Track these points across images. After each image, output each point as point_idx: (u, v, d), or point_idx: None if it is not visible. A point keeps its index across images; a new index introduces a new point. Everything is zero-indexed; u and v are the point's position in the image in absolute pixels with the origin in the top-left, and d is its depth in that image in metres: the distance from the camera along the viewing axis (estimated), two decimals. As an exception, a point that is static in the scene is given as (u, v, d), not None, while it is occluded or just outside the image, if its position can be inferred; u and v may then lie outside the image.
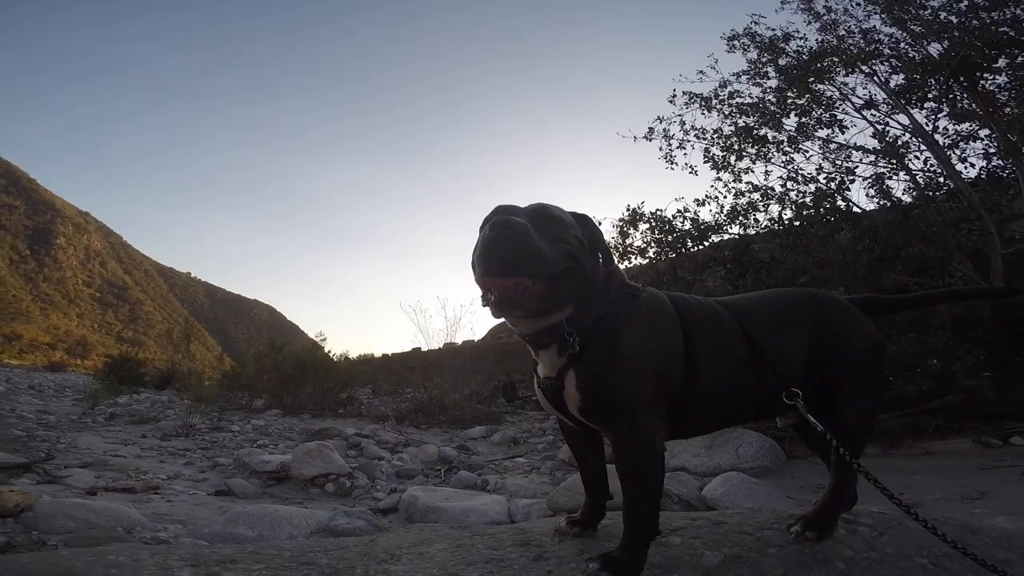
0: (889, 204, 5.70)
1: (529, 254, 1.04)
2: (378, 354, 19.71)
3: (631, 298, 1.21)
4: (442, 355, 11.74)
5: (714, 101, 6.68)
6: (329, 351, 12.69)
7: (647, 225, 6.76)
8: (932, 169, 6.07)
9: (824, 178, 6.03)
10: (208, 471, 4.83)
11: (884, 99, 6.29)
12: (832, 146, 6.25)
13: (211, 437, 6.85)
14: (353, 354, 16.10)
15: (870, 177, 5.93)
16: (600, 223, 6.78)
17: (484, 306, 1.11)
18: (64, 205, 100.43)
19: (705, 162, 6.55)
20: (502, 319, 1.14)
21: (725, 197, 6.34)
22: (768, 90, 6.49)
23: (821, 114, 6.23)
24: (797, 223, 5.85)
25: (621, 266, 7.39)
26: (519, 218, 1.07)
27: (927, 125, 5.93)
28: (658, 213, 6.61)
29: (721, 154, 6.43)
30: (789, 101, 6.21)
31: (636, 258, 7.06)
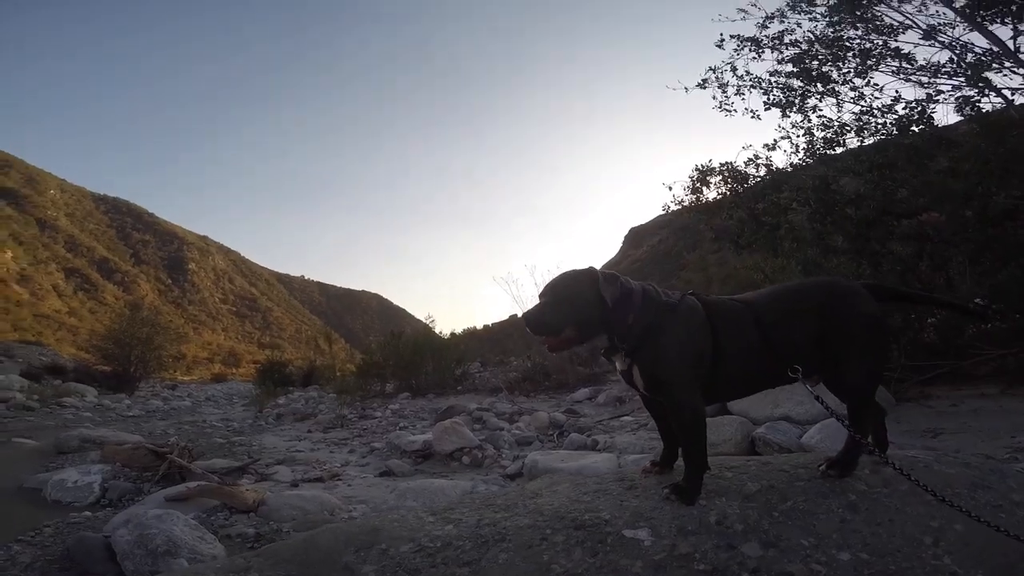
0: (979, 128, 5.23)
1: (538, 327, 1.73)
2: (480, 326, 20.91)
3: (670, 309, 1.72)
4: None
5: (764, 42, 6.39)
6: (439, 331, 13.75)
7: (719, 178, 6.79)
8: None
9: (903, 107, 5.64)
10: (368, 456, 5.87)
11: (951, 20, 5.70)
12: (909, 72, 5.78)
13: (361, 425, 8.07)
14: (458, 329, 17.26)
15: (956, 100, 5.48)
16: (671, 187, 6.89)
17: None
18: (184, 232, 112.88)
19: (767, 108, 6.35)
20: None
21: (798, 137, 6.16)
22: (818, 17, 6.10)
23: (883, 44, 5.77)
24: (882, 154, 5.60)
25: (699, 221, 7.44)
26: (542, 299, 1.76)
27: (1012, 42, 5.31)
28: (729, 164, 6.61)
29: (783, 96, 6.21)
30: (844, 36, 5.82)
31: (714, 210, 7.11)
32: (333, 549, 1.53)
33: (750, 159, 6.36)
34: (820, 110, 6.12)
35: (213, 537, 2.96)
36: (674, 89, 7.02)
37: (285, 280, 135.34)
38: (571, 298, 1.72)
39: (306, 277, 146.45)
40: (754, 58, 6.43)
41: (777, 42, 6.34)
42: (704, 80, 6.65)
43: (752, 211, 6.32)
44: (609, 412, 6.87)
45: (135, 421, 10.90)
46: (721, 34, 6.56)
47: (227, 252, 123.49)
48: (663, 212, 7.45)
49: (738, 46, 6.51)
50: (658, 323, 1.69)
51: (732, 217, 6.54)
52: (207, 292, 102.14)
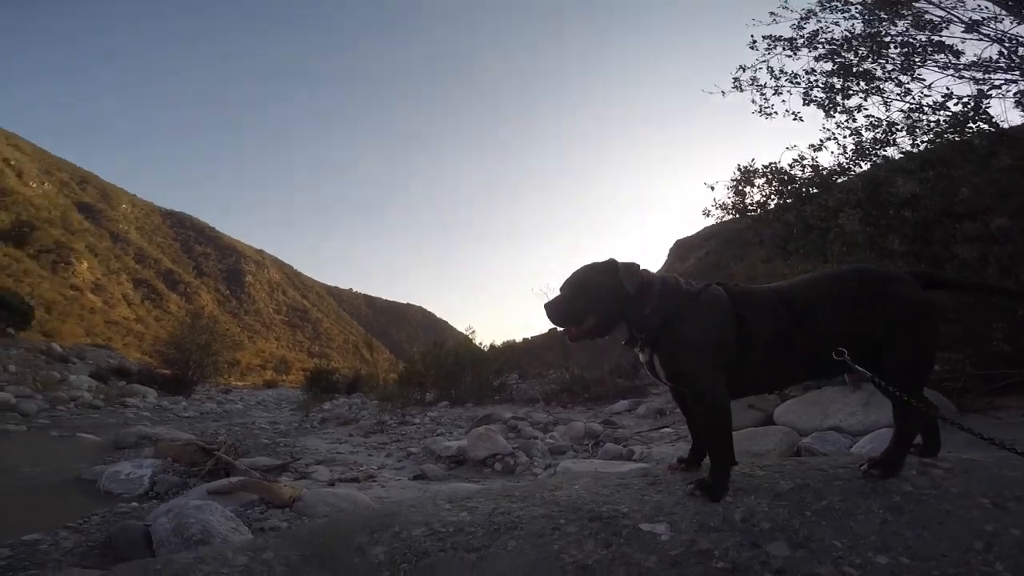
0: None
1: (559, 317, 1.72)
2: (519, 339, 20.90)
3: (691, 298, 1.67)
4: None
5: (799, 41, 6.15)
6: (480, 343, 13.86)
7: (763, 179, 6.55)
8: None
9: (955, 103, 5.30)
10: (404, 460, 5.93)
11: (994, 14, 5.33)
12: (959, 67, 5.44)
13: (400, 431, 8.19)
14: (498, 342, 17.35)
15: (1014, 96, 5.10)
16: (713, 187, 6.67)
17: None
18: (242, 246, 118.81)
19: (805, 105, 6.09)
20: None
21: (845, 137, 5.87)
22: (855, 15, 5.83)
23: (927, 39, 5.45)
24: (938, 153, 5.27)
25: (742, 224, 7.20)
26: (564, 290, 1.74)
27: None
28: (773, 165, 6.38)
29: (824, 96, 5.96)
30: (882, 32, 5.53)
31: (757, 212, 6.86)
32: (349, 532, 1.54)
33: (795, 160, 6.08)
34: (865, 109, 5.82)
35: (247, 528, 3.03)
36: (711, 93, 6.84)
37: (335, 293, 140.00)
38: (591, 289, 1.70)
39: (354, 290, 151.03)
40: (789, 56, 6.19)
41: (812, 40, 6.09)
42: (736, 79, 6.44)
43: (799, 215, 6.04)
44: (649, 424, 6.70)
45: (189, 421, 11.44)
46: (752, 36, 6.36)
47: (281, 265, 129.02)
48: (704, 215, 7.21)
49: (770, 45, 6.28)
50: (678, 312, 1.63)
51: (779, 221, 6.28)
52: (262, 303, 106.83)
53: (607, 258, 1.76)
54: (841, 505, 1.43)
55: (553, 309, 1.72)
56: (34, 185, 78.45)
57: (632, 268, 1.71)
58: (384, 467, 5.62)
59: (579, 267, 1.78)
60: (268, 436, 8.57)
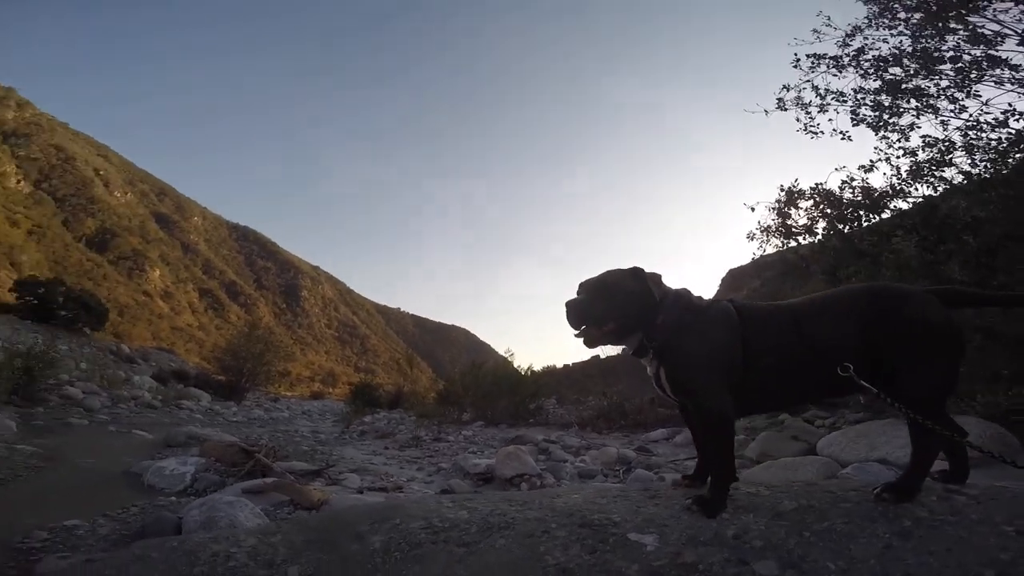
0: None
1: (580, 318, 1.67)
2: (560, 365, 20.73)
3: (698, 313, 1.68)
4: (620, 361, 12.15)
5: (845, 59, 5.99)
6: (518, 366, 13.87)
7: (810, 201, 6.35)
8: None
9: (1017, 120, 4.99)
10: (434, 474, 5.99)
11: None
12: (1022, 82, 5.14)
13: (434, 446, 8.27)
14: (537, 366, 17.30)
15: None
16: (753, 208, 6.49)
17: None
18: (300, 262, 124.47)
19: (855, 124, 5.88)
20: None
21: (899, 157, 5.63)
22: (904, 32, 5.63)
23: (982, 54, 5.19)
24: (1000, 173, 4.98)
25: (785, 246, 6.96)
26: (583, 294, 1.71)
27: None
28: (819, 187, 6.18)
29: (873, 114, 5.74)
30: (931, 48, 5.31)
31: (803, 237, 6.64)
32: (353, 522, 1.62)
33: (844, 181, 5.87)
34: (918, 127, 5.58)
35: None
36: (752, 112, 6.72)
37: (383, 311, 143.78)
38: (616, 293, 1.69)
39: (401, 309, 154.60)
40: (834, 75, 6.04)
41: (858, 57, 5.92)
42: (781, 100, 6.30)
43: (848, 239, 5.80)
44: (685, 452, 6.50)
45: (237, 426, 11.94)
46: (796, 54, 6.25)
47: (335, 282, 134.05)
48: (748, 239, 7.01)
49: (813, 64, 6.16)
50: (684, 324, 1.64)
51: (825, 246, 6.05)
52: (315, 317, 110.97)
53: (632, 266, 1.77)
54: (844, 527, 1.37)
55: (574, 309, 1.69)
56: (118, 195, 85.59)
57: (657, 277, 1.73)
58: (413, 480, 5.69)
59: (604, 271, 1.78)
60: (308, 444, 8.83)
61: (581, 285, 1.76)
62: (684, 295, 1.73)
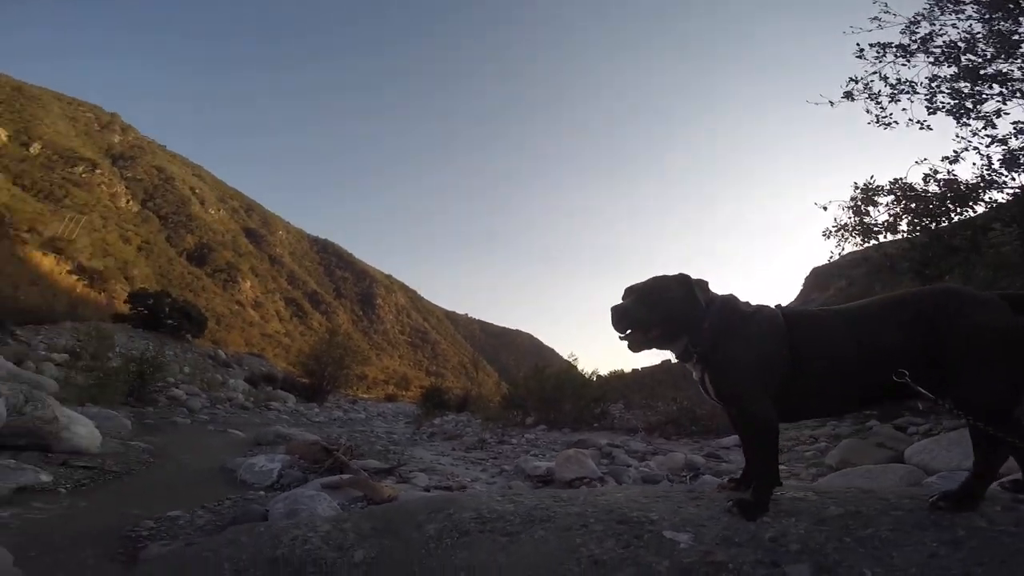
0: None
1: (627, 322, 1.71)
2: (628, 370, 20.37)
3: (744, 318, 1.70)
4: (691, 366, 11.81)
5: (912, 47, 5.55)
6: (582, 370, 13.84)
7: (890, 197, 5.94)
8: None
9: None
10: (497, 476, 6.15)
11: None
12: None
13: (497, 449, 8.47)
14: (603, 371, 17.08)
15: None
16: (825, 208, 6.13)
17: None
18: (374, 271, 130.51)
19: (930, 113, 5.43)
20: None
21: (987, 146, 5.14)
22: (972, 16, 5.11)
23: None
24: None
25: (865, 244, 6.51)
26: (629, 298, 1.76)
27: None
28: (899, 181, 5.77)
29: (952, 102, 5.28)
30: (1012, 32, 4.78)
31: (885, 235, 6.21)
32: (414, 512, 1.78)
33: (927, 174, 5.43)
34: (1007, 113, 5.06)
35: (347, 517, 3.44)
36: (816, 104, 6.28)
37: (452, 317, 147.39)
38: (663, 298, 1.73)
39: (469, 315, 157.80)
40: (904, 64, 5.60)
41: (927, 44, 5.46)
42: (848, 92, 5.90)
43: (937, 235, 5.37)
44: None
45: (319, 426, 12.76)
46: (858, 44, 5.84)
47: (406, 290, 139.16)
48: (824, 237, 6.63)
49: (879, 53, 5.74)
50: (729, 329, 1.67)
51: (914, 243, 5.62)
52: (389, 324, 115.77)
53: (678, 272, 1.80)
54: (889, 535, 1.34)
55: (620, 314, 1.72)
56: (212, 211, 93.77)
57: (703, 283, 1.76)
58: (477, 480, 5.88)
59: (650, 277, 1.82)
60: (382, 444, 9.30)
61: (627, 290, 1.81)
62: (730, 301, 1.75)
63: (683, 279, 1.76)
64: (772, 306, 1.77)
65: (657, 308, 1.71)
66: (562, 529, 1.49)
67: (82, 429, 5.42)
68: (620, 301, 1.78)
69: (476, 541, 1.48)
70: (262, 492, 4.71)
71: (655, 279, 1.79)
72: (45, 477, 4.14)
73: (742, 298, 1.80)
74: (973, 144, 5.22)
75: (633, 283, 1.83)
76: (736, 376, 1.63)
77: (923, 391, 1.46)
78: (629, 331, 1.73)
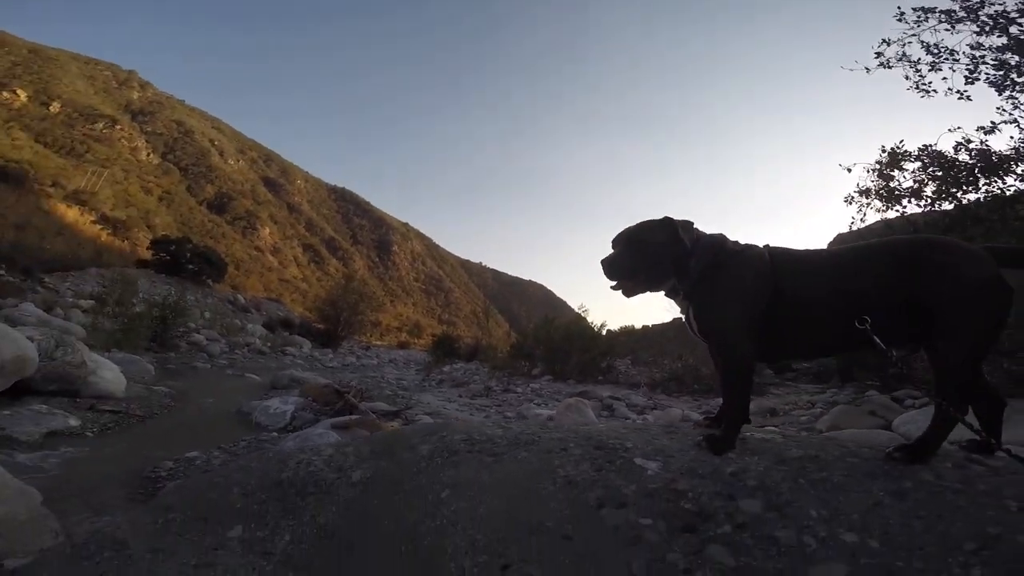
0: None
1: (615, 271, 1.79)
2: (639, 326, 20.53)
3: (731, 255, 1.74)
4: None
5: (960, 13, 5.21)
6: (591, 323, 13.97)
7: (917, 164, 5.78)
8: None
9: None
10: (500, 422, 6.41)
11: None
12: None
13: (502, 397, 8.76)
14: (615, 326, 17.25)
15: None
16: (850, 169, 5.95)
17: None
18: (391, 219, 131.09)
19: (970, 83, 5.18)
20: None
21: None
22: None
23: None
24: None
25: (887, 211, 6.36)
26: (617, 246, 1.82)
27: None
28: (929, 148, 5.60)
29: (997, 73, 5.03)
30: None
31: (910, 202, 6.07)
32: (410, 436, 1.94)
33: (959, 143, 5.25)
34: None
35: (354, 452, 3.69)
36: (851, 70, 6.04)
37: (466, 265, 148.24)
38: (644, 244, 1.78)
39: (483, 264, 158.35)
40: (947, 29, 5.26)
41: (977, 12, 5.13)
42: (880, 53, 5.60)
43: (962, 205, 5.25)
44: (757, 421, 6.40)
45: (332, 371, 13.23)
46: (899, 7, 5.50)
47: (422, 238, 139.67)
48: (846, 202, 6.48)
49: (920, 17, 5.41)
50: (716, 265, 1.71)
51: (938, 211, 5.51)
52: (404, 271, 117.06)
53: (662, 216, 1.83)
54: (841, 479, 1.42)
55: (609, 265, 1.80)
56: (232, 162, 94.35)
57: (687, 224, 1.79)
58: (481, 424, 6.13)
59: (632, 224, 1.87)
60: (391, 388, 9.66)
61: (614, 240, 1.86)
62: (718, 239, 1.79)
63: (666, 222, 1.79)
64: (760, 245, 1.79)
65: (642, 254, 1.77)
66: (543, 452, 1.63)
67: (108, 374, 5.70)
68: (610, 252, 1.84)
69: (464, 460, 1.63)
70: (275, 433, 4.98)
71: (639, 224, 1.83)
72: (74, 422, 4.39)
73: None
74: (1014, 116, 5.00)
75: (619, 231, 1.87)
76: (718, 310, 1.68)
77: (878, 341, 1.50)
78: (617, 280, 1.80)
